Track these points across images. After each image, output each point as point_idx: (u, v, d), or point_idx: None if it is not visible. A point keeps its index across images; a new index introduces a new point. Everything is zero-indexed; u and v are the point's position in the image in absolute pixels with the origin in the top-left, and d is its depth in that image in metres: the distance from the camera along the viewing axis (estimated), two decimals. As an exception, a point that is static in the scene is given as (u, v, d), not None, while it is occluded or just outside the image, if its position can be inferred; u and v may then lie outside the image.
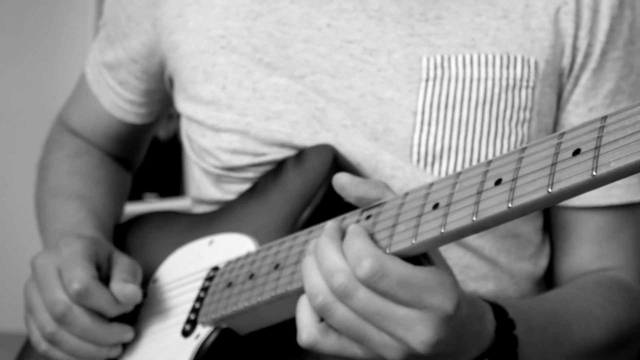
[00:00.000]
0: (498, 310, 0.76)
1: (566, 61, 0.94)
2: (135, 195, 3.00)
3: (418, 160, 0.91)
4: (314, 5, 0.95)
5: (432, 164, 0.90)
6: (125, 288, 0.90)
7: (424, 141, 0.90)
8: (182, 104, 1.02)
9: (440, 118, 0.90)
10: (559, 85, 0.95)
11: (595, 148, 0.57)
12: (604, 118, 0.59)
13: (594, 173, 0.57)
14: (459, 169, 0.91)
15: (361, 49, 0.93)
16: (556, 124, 0.97)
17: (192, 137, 1.02)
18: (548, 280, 1.04)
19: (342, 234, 0.72)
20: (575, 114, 0.96)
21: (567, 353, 0.85)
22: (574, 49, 0.94)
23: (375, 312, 0.67)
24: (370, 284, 0.66)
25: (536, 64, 0.92)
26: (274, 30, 0.96)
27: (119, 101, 1.14)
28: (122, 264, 0.94)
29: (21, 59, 3.11)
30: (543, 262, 1.01)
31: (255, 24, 0.96)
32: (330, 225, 0.73)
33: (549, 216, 1.02)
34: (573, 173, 0.58)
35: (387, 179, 0.91)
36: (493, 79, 0.91)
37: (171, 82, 1.07)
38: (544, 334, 0.83)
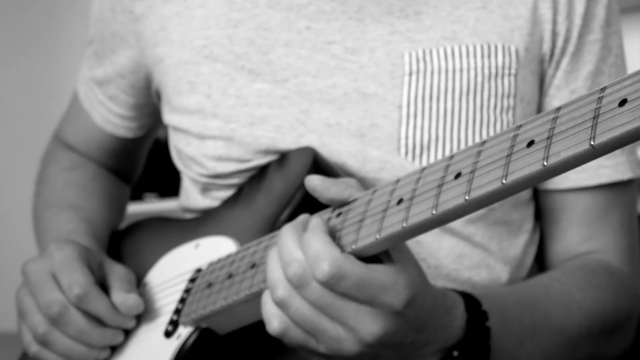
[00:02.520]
0: (472, 302, 0.77)
1: (546, 47, 0.95)
2: (135, 195, 3.00)
3: (406, 153, 0.91)
4: (293, 10, 0.96)
5: (420, 155, 0.91)
6: (128, 299, 0.91)
7: (411, 134, 0.91)
8: (168, 116, 1.03)
9: (426, 110, 0.91)
10: (541, 71, 0.96)
11: (547, 138, 0.58)
12: (558, 109, 0.59)
13: (545, 163, 0.57)
14: None
15: (342, 48, 0.94)
16: (540, 109, 0.97)
17: (179, 146, 1.02)
18: (541, 266, 1.04)
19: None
20: (558, 98, 0.96)
21: (546, 340, 0.86)
22: (554, 34, 0.95)
23: (328, 303, 0.69)
24: (328, 286, 0.68)
25: (517, 51, 0.93)
26: (254, 37, 0.96)
27: (109, 116, 1.16)
28: (118, 272, 0.95)
29: (21, 59, 3.12)
30: (533, 249, 1.01)
31: (236, 31, 0.97)
32: (298, 217, 0.76)
33: (538, 201, 1.02)
34: (526, 164, 0.59)
35: (375, 174, 0.91)
36: (475, 69, 0.92)
37: (158, 95, 1.09)
38: (521, 322, 0.83)
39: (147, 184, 2.92)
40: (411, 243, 0.90)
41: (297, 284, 0.70)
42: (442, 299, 0.74)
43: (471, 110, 0.91)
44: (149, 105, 1.13)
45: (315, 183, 0.77)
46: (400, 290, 0.69)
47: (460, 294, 0.78)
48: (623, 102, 0.53)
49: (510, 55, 0.93)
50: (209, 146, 0.97)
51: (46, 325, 0.90)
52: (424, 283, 0.72)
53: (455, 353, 0.76)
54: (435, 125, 0.91)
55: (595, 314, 0.90)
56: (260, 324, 0.81)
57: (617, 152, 0.96)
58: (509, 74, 0.93)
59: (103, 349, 0.92)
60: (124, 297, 0.91)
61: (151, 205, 2.76)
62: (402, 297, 0.69)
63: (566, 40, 0.95)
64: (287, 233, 0.73)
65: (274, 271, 0.73)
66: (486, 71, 0.92)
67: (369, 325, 0.69)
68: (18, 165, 3.03)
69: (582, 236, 0.98)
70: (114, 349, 0.94)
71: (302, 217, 0.76)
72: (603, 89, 0.55)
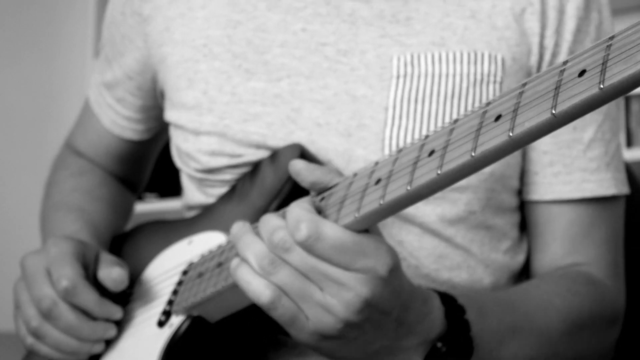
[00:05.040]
0: (445, 297, 0.79)
1: (534, 59, 0.97)
2: (135, 195, 3.01)
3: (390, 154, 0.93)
4: (290, 12, 0.99)
5: None
6: (112, 272, 0.94)
7: (395, 135, 0.93)
8: (169, 113, 1.06)
9: (411, 112, 0.93)
10: None
11: (513, 111, 0.60)
12: (524, 84, 0.61)
13: (511, 134, 0.59)
14: None
15: (335, 50, 0.97)
16: None
17: (177, 142, 1.06)
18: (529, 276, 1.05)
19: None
20: None
21: (526, 341, 0.87)
22: (541, 47, 0.97)
23: (312, 266, 0.71)
24: (306, 246, 0.70)
25: (503, 60, 0.95)
26: (252, 37, 1.00)
27: (117, 118, 1.19)
28: (106, 258, 0.98)
29: (21, 59, 3.13)
30: (521, 257, 1.02)
31: (235, 32, 1.01)
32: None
33: (524, 213, 1.03)
34: (493, 135, 0.61)
35: None
36: (461, 75, 0.94)
37: (162, 95, 1.12)
38: (500, 321, 0.84)
39: (147, 184, 2.93)
40: (392, 242, 0.92)
41: (283, 249, 0.72)
42: (417, 288, 0.76)
43: (455, 114, 0.93)
44: (155, 107, 1.16)
45: (299, 166, 0.80)
46: (382, 255, 0.71)
47: (432, 290, 0.80)
48: (582, 73, 0.55)
49: (496, 63, 0.95)
50: (203, 141, 1.00)
51: (38, 319, 0.93)
52: (399, 261, 0.73)
53: (439, 344, 0.77)
54: (419, 127, 0.93)
55: (574, 320, 0.91)
56: (250, 312, 0.83)
57: (603, 167, 0.98)
58: (494, 82, 0.95)
59: (96, 342, 0.94)
60: (108, 271, 0.94)
61: (151, 205, 2.76)
62: (385, 262, 0.71)
63: (554, 55, 0.97)
64: (267, 216, 0.76)
65: (253, 244, 0.75)
66: (472, 77, 0.94)
67: (354, 287, 0.70)
68: (18, 165, 3.03)
69: (566, 250, 0.99)
70: (110, 342, 0.96)
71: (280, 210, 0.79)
72: (565, 62, 0.58)
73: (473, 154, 0.62)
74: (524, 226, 1.04)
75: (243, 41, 1.00)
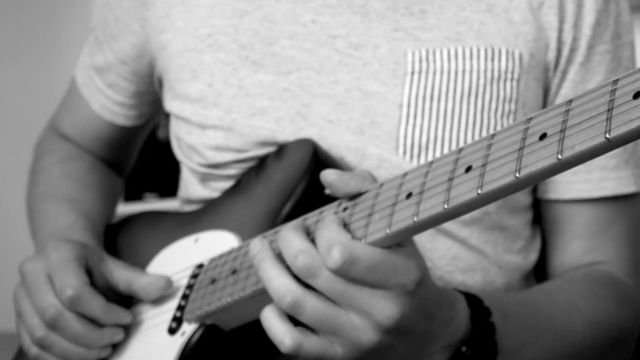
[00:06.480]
0: (472, 299, 0.77)
1: (551, 55, 0.95)
2: (135, 195, 3.00)
3: (404, 153, 0.91)
4: (299, 2, 0.96)
5: (418, 155, 0.91)
6: (159, 279, 0.91)
7: (410, 133, 0.91)
8: (170, 103, 1.03)
9: (426, 110, 0.91)
10: (545, 79, 0.96)
11: (561, 131, 0.58)
12: (570, 102, 0.59)
13: (560, 156, 0.57)
14: None
15: (346, 43, 0.94)
16: None
17: (179, 135, 1.02)
18: (539, 274, 1.03)
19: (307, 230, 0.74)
20: None
21: (549, 344, 0.85)
22: (560, 42, 0.95)
23: (341, 291, 0.68)
24: (341, 272, 0.67)
25: (520, 56, 0.93)
26: (259, 28, 0.96)
27: (108, 104, 1.15)
28: (124, 266, 0.94)
29: (21, 59, 3.12)
30: (533, 256, 1.00)
31: (241, 21, 0.97)
32: (292, 222, 0.75)
33: (540, 211, 1.02)
34: (539, 157, 0.58)
35: (373, 171, 0.91)
36: (478, 71, 0.91)
37: (160, 82, 1.08)
38: (524, 324, 0.82)
39: (147, 184, 2.92)
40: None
41: (308, 275, 0.69)
42: (444, 292, 0.74)
43: (472, 113, 0.91)
44: (149, 93, 1.13)
45: (332, 178, 0.75)
46: (411, 270, 0.69)
47: (459, 291, 0.77)
48: (637, 95, 0.53)
49: (513, 60, 0.92)
50: (209, 136, 0.97)
51: (43, 329, 0.89)
52: (427, 270, 0.72)
53: (464, 348, 0.75)
54: (434, 125, 0.91)
55: (599, 323, 0.90)
56: None
57: (622, 165, 0.97)
58: (512, 79, 0.92)
59: (103, 348, 0.91)
60: (153, 279, 0.91)
61: (151, 205, 2.76)
62: (414, 277, 0.68)
63: (573, 50, 0.95)
64: (287, 233, 0.72)
65: (276, 278, 0.71)
66: (489, 74, 0.92)
67: (385, 308, 0.68)
68: (18, 165, 3.02)
69: (585, 248, 0.97)
70: (116, 346, 0.93)
71: (298, 221, 0.75)
72: (615, 81, 0.55)
73: (517, 175, 0.59)
74: (535, 222, 1.02)
75: (249, 31, 0.97)
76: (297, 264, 0.69)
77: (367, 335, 0.69)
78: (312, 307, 0.69)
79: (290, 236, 0.71)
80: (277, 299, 0.71)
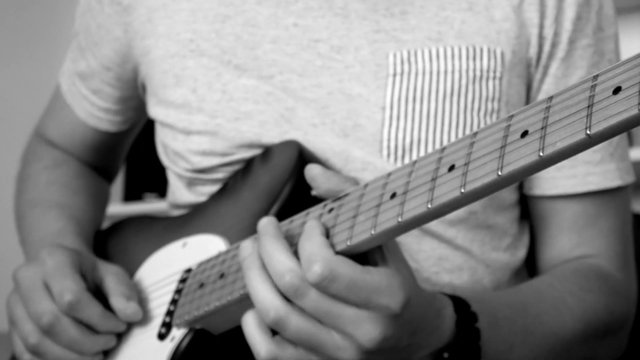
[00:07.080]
0: (460, 304, 0.77)
1: (533, 51, 0.95)
2: (135, 195, 2.99)
3: (388, 155, 0.91)
4: (281, 6, 0.96)
5: (403, 157, 0.91)
6: (128, 307, 0.90)
7: (394, 135, 0.90)
8: (154, 109, 1.03)
9: (409, 112, 0.91)
10: (527, 75, 0.96)
11: (542, 128, 0.58)
12: (550, 98, 0.58)
13: (541, 154, 0.57)
14: None
15: (328, 47, 0.94)
16: None
17: (165, 141, 1.02)
18: (530, 269, 1.04)
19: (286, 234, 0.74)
20: None
21: (538, 344, 0.85)
22: (541, 38, 0.95)
23: (326, 311, 0.68)
24: (321, 288, 0.67)
25: (502, 54, 0.93)
26: (241, 32, 0.96)
27: (93, 110, 1.15)
28: (115, 274, 0.93)
29: (21, 59, 3.12)
30: (521, 252, 1.01)
31: (224, 26, 0.97)
32: (265, 223, 0.74)
33: (527, 207, 1.02)
34: (521, 155, 0.58)
35: (357, 173, 0.91)
36: (460, 71, 0.91)
37: (144, 87, 1.08)
38: (512, 325, 0.82)
39: (147, 184, 2.91)
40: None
41: (294, 295, 0.68)
42: (432, 300, 0.74)
43: (455, 113, 0.91)
44: (134, 98, 1.13)
45: (316, 172, 0.76)
46: (395, 292, 0.68)
47: (448, 296, 0.77)
48: (617, 90, 0.52)
49: (495, 58, 0.92)
50: (194, 141, 0.97)
51: (37, 336, 0.88)
52: (415, 284, 0.71)
53: (446, 355, 0.75)
54: (417, 127, 0.90)
55: (588, 318, 0.90)
56: None
57: (607, 158, 0.97)
58: (494, 77, 0.92)
59: (96, 355, 0.91)
60: (124, 305, 0.90)
61: (151, 205, 2.75)
62: (399, 299, 0.68)
63: (554, 45, 0.95)
64: (271, 245, 0.71)
65: (262, 291, 0.71)
66: (471, 74, 0.91)
67: (367, 330, 0.68)
68: (17, 166, 3.02)
69: (573, 242, 0.97)
70: (107, 352, 0.93)
71: (266, 222, 0.74)
72: (595, 77, 0.55)
73: (500, 173, 0.59)
74: (523, 217, 1.02)
75: (232, 36, 0.97)
76: (284, 283, 0.69)
77: (347, 354, 0.69)
78: (294, 324, 0.69)
79: (271, 248, 0.71)
80: (261, 313, 0.71)
